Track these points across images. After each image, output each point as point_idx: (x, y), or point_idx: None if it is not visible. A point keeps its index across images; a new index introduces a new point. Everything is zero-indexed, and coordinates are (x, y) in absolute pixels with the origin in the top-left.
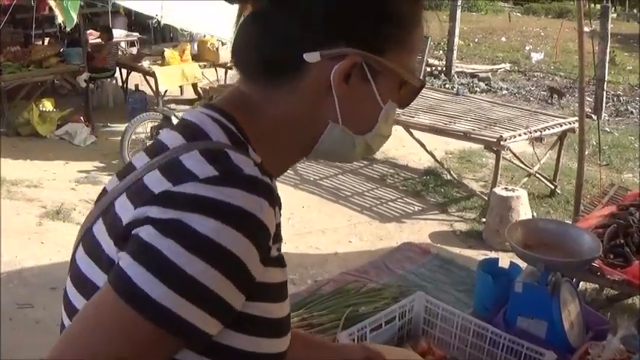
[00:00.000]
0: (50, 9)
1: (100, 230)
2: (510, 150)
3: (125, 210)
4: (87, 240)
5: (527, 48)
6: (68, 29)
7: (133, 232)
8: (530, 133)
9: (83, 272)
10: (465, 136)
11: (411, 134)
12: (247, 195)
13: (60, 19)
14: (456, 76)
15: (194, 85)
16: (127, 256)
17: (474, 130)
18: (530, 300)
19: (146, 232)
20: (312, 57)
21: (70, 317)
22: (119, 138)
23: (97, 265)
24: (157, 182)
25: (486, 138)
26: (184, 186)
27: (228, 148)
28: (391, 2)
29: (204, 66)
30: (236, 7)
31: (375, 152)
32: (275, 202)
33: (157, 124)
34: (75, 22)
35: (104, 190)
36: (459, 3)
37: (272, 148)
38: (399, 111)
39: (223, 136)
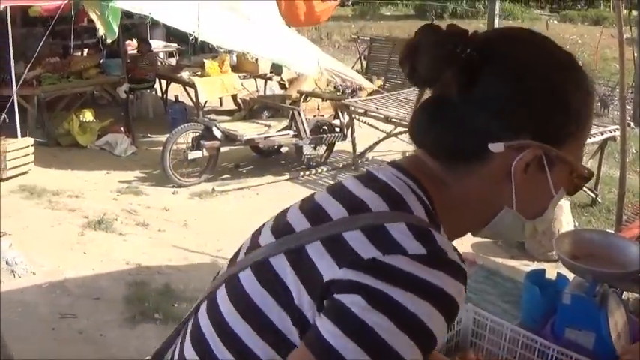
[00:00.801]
0: (90, 20)
1: (283, 266)
2: None
3: (324, 262)
4: (260, 268)
5: None
6: (109, 41)
7: (336, 295)
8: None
9: (253, 301)
10: None
11: None
12: (451, 280)
13: (101, 31)
14: None
15: (233, 96)
16: (332, 325)
17: None
18: (578, 311)
19: (355, 303)
20: (496, 147)
21: (221, 336)
22: (159, 149)
23: (276, 302)
24: (363, 245)
25: None
26: (394, 258)
27: (431, 227)
28: (574, 99)
29: (244, 77)
30: (273, 26)
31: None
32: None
33: (197, 134)
34: (116, 33)
35: (282, 215)
36: (497, 12)
37: (449, 224)
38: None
39: (422, 212)
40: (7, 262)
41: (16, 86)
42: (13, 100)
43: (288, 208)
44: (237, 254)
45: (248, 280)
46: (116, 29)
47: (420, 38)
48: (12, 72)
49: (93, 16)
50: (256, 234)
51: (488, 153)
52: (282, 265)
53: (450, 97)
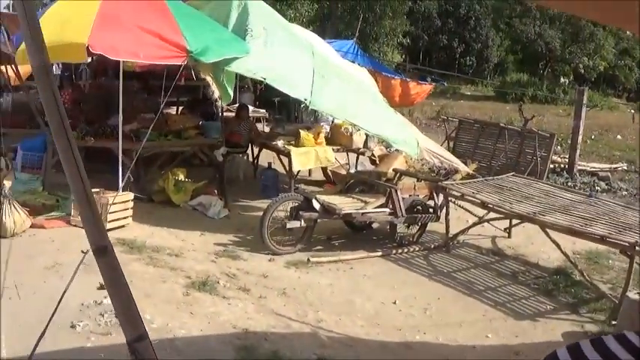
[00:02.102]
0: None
1: None
2: None
3: None
4: None
5: None
6: (224, 104)
7: None
8: None
9: None
10: (602, 239)
11: (547, 234)
12: None
13: (216, 94)
14: (577, 174)
15: (323, 168)
16: None
17: (610, 234)
18: None
19: None
20: None
21: None
22: (251, 213)
23: None
24: None
25: (622, 242)
26: None
27: None
28: None
29: (337, 150)
30: (379, 102)
31: None
32: None
33: (297, 204)
34: (231, 97)
35: None
36: (585, 101)
37: None
38: (534, 209)
39: None
40: (116, 316)
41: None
42: (117, 154)
43: None
44: None
45: None
46: (231, 93)
47: None
48: (120, 127)
49: (208, 78)
50: None
51: None
52: None
53: None
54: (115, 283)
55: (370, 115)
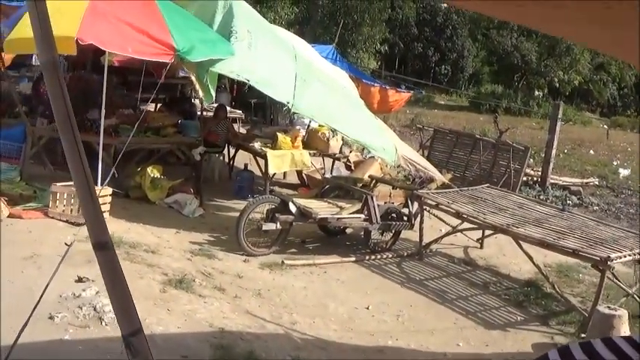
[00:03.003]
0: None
1: None
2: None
3: None
4: None
5: (614, 163)
6: (206, 104)
7: None
8: (636, 255)
9: None
10: (574, 253)
11: (520, 245)
12: None
13: (200, 94)
14: (550, 187)
15: (298, 171)
16: None
17: (582, 247)
18: None
19: None
20: None
21: None
22: (225, 213)
23: None
24: None
25: (594, 257)
26: None
27: None
28: None
29: (313, 154)
30: (359, 107)
31: None
32: None
33: (273, 207)
34: (213, 98)
35: None
36: (560, 116)
37: None
38: (508, 221)
39: None
40: (94, 309)
41: (97, 134)
42: (96, 148)
43: None
44: None
45: None
46: (213, 93)
47: None
48: (102, 121)
49: (192, 77)
50: None
51: None
52: None
53: None
54: (114, 277)
55: (350, 120)
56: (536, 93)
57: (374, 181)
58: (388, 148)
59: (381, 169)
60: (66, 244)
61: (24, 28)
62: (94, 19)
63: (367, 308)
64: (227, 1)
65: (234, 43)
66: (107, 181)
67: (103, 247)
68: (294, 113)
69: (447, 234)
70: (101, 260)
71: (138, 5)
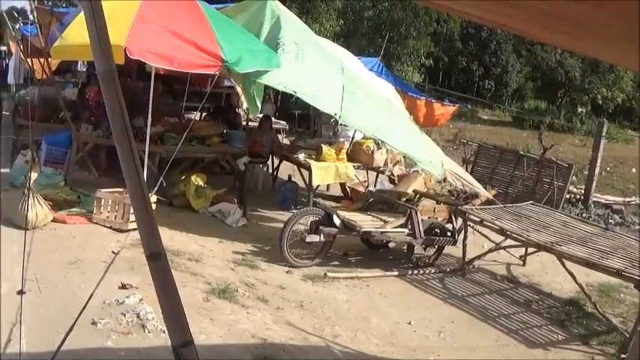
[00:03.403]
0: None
1: None
2: None
3: None
4: None
5: None
6: (251, 116)
7: None
8: None
9: None
10: (617, 273)
11: (563, 264)
12: None
13: (245, 105)
14: (592, 205)
15: (342, 184)
16: None
17: (625, 267)
18: None
19: None
20: None
21: None
22: (268, 224)
23: None
24: None
25: (637, 277)
26: None
27: None
28: None
29: (357, 167)
30: (407, 120)
31: None
32: None
33: (317, 219)
34: (259, 109)
35: None
36: (604, 134)
37: None
38: (552, 239)
39: None
40: (138, 316)
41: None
42: (141, 155)
43: None
44: None
45: None
46: (259, 105)
47: None
48: (148, 128)
49: (238, 89)
50: None
51: None
52: None
53: None
54: (166, 288)
55: (397, 133)
56: (580, 110)
57: (418, 196)
58: (435, 161)
59: (425, 183)
60: (113, 252)
61: (72, 34)
62: (142, 28)
63: (409, 323)
64: (275, 12)
65: (282, 55)
66: (155, 189)
67: (157, 257)
68: (340, 124)
69: (490, 250)
70: (154, 271)
71: (186, 15)
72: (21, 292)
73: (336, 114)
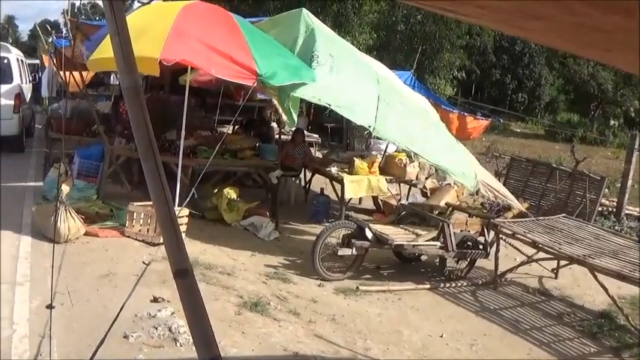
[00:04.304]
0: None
1: None
2: None
3: None
4: None
5: None
6: (289, 129)
7: None
8: None
9: None
10: None
11: (595, 277)
12: None
13: (284, 117)
14: (625, 218)
15: (374, 197)
16: None
17: None
18: None
19: None
20: None
21: None
22: (300, 237)
23: None
24: None
25: None
26: None
27: None
28: None
29: (390, 180)
30: (441, 131)
31: None
32: None
33: (349, 232)
34: (295, 122)
35: None
36: (637, 146)
37: None
38: (584, 252)
39: None
40: (169, 330)
41: (174, 155)
42: (173, 168)
43: None
44: None
45: None
46: (295, 118)
47: None
48: (182, 142)
49: (275, 103)
50: None
51: None
52: None
53: None
54: (193, 304)
55: (432, 144)
56: (612, 122)
57: (450, 209)
58: (468, 173)
59: (457, 196)
60: (144, 262)
61: (107, 47)
62: (178, 42)
63: (441, 336)
64: (309, 25)
65: (316, 68)
66: (186, 202)
67: (184, 274)
68: (373, 137)
69: (522, 263)
70: (181, 288)
71: (221, 29)
72: (50, 307)
73: (370, 126)
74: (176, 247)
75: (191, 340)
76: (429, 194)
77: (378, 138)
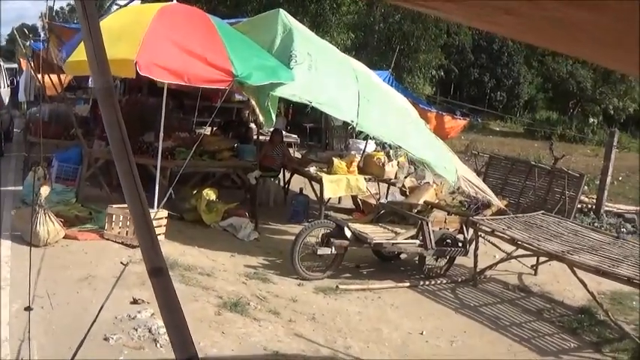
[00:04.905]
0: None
1: None
2: None
3: None
4: None
5: None
6: (267, 129)
7: None
8: None
9: None
10: (628, 280)
11: (575, 273)
12: None
13: (261, 118)
14: (604, 214)
15: (354, 196)
16: None
17: (636, 275)
18: None
19: None
20: None
21: None
22: (280, 237)
23: None
24: None
25: None
26: None
27: None
28: None
29: (368, 179)
30: (422, 126)
31: None
32: None
33: (329, 231)
34: (274, 122)
35: None
36: (615, 143)
37: None
38: (563, 248)
39: None
40: (150, 331)
41: (153, 157)
42: (151, 170)
43: None
44: None
45: None
46: (274, 118)
47: None
48: (160, 144)
49: (252, 102)
50: None
51: None
52: None
53: None
54: (169, 303)
55: (413, 139)
56: (591, 120)
57: (429, 207)
58: (449, 168)
59: (436, 195)
60: (122, 263)
61: (84, 50)
62: (154, 43)
63: (421, 334)
64: (287, 25)
65: (295, 66)
66: (163, 203)
67: (158, 273)
68: (355, 135)
69: (502, 260)
70: (156, 286)
71: (198, 31)
72: (29, 309)
73: (352, 121)
74: (150, 245)
75: None
76: (407, 193)
77: (360, 133)
